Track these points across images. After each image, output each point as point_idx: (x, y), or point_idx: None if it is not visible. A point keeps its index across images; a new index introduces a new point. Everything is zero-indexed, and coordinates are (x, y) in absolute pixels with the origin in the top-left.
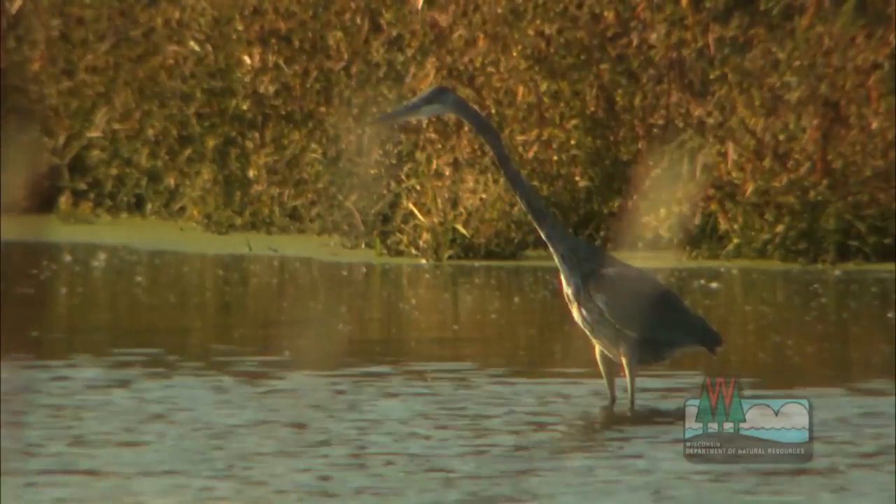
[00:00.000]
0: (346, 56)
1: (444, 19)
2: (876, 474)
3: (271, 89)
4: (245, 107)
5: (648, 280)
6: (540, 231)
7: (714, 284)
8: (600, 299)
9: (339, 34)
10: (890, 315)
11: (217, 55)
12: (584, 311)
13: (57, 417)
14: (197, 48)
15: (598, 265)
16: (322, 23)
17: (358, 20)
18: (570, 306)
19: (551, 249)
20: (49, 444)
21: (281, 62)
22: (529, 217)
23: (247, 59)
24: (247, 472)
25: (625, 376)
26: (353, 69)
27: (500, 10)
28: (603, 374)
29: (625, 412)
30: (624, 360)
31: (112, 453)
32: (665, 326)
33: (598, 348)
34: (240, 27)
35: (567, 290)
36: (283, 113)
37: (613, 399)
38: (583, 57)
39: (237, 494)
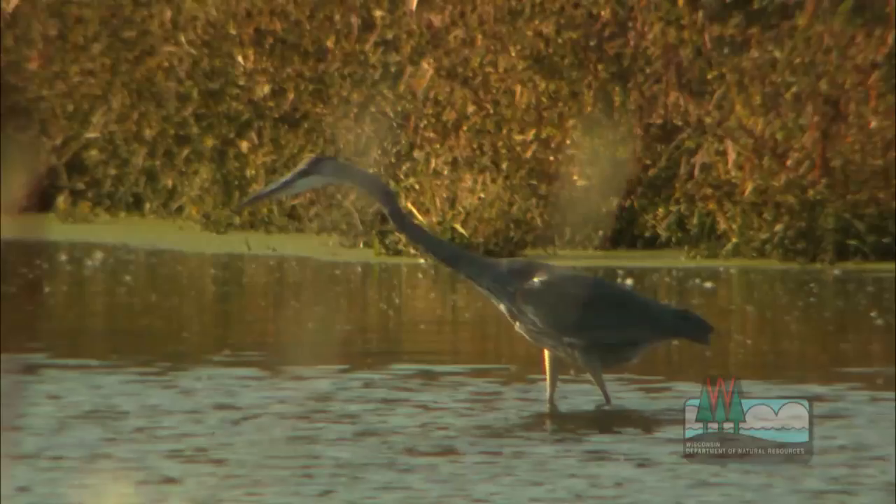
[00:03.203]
0: (339, 57)
1: (439, 20)
2: (876, 474)
3: (266, 90)
4: (240, 107)
5: (581, 283)
6: (458, 273)
7: (708, 284)
8: (530, 311)
9: (333, 36)
10: (873, 313)
11: (212, 57)
12: (521, 327)
13: (54, 415)
14: (193, 51)
15: (523, 280)
16: (317, 21)
17: (351, 21)
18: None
19: (475, 285)
20: (46, 437)
21: (271, 65)
22: (443, 265)
23: (241, 61)
24: (244, 468)
25: (593, 382)
26: (347, 70)
27: (496, 11)
28: (547, 376)
29: (624, 412)
30: (584, 366)
31: (101, 444)
32: (610, 326)
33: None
34: (233, 30)
35: (503, 311)
36: (277, 116)
37: (608, 400)
38: (581, 57)
39: (235, 491)
